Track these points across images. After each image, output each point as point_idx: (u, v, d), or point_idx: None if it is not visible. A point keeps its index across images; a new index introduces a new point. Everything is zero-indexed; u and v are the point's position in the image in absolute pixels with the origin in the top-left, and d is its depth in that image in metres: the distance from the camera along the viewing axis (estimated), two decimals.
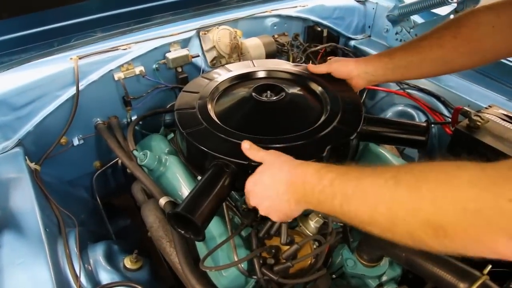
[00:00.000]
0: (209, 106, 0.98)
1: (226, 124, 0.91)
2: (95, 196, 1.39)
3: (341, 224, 0.92)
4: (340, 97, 0.98)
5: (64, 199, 1.18)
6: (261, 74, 1.13)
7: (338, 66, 1.04)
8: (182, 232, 0.76)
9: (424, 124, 0.99)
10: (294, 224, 0.93)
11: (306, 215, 0.92)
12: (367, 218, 0.53)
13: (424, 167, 0.49)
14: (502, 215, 0.39)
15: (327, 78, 1.06)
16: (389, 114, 1.54)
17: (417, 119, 1.44)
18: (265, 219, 0.88)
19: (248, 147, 0.76)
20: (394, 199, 0.49)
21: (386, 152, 1.15)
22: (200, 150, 0.84)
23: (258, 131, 0.88)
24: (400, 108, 1.53)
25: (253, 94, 0.98)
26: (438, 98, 1.40)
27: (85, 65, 1.14)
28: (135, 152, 1.11)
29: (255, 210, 0.87)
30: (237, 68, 1.15)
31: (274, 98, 0.98)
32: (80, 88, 1.14)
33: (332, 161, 0.83)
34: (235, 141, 0.82)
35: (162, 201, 0.96)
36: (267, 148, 0.78)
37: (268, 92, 1.01)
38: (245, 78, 1.12)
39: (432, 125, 1.40)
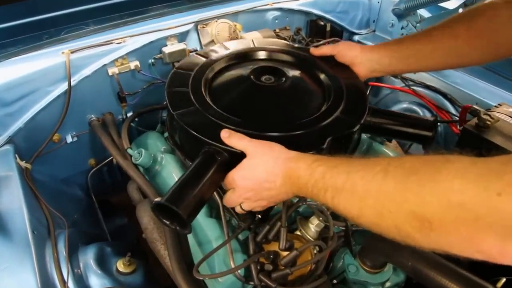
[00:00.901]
0: (203, 87, 0.91)
1: (220, 107, 0.84)
2: (90, 194, 1.35)
3: (343, 228, 0.88)
4: (344, 85, 0.92)
5: (57, 198, 1.15)
6: (261, 55, 1.06)
7: (343, 49, 0.98)
8: (168, 223, 0.70)
9: (431, 119, 0.94)
10: (293, 227, 0.89)
11: (306, 217, 0.88)
12: (356, 211, 0.53)
13: (414, 160, 0.48)
14: (489, 210, 0.37)
15: (330, 63, 0.99)
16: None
17: None
18: (264, 221, 0.84)
19: (227, 136, 0.71)
20: (381, 192, 0.48)
21: (391, 151, 1.10)
22: (191, 134, 0.77)
23: (255, 116, 0.82)
24: (405, 105, 1.48)
25: (251, 76, 0.92)
26: (444, 95, 1.35)
27: (78, 59, 1.10)
28: (129, 151, 1.07)
29: (252, 212, 0.84)
30: (235, 47, 1.08)
31: (274, 82, 0.92)
32: (73, 83, 1.10)
33: (332, 153, 0.79)
34: (229, 126, 0.76)
35: None
36: (263, 137, 0.72)
37: (267, 75, 0.95)
38: (243, 58, 1.05)
39: (438, 124, 1.36)
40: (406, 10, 1.46)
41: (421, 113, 1.41)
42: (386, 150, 1.10)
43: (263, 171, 0.65)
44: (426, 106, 1.39)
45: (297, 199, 0.87)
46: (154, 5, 1.16)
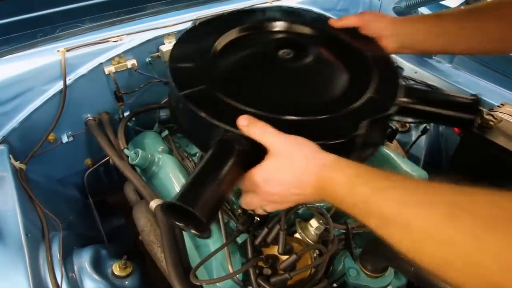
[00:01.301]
0: (213, 62, 0.81)
1: (234, 86, 0.75)
2: (86, 195, 1.33)
3: (343, 231, 0.87)
4: (372, 59, 0.83)
5: (53, 199, 1.13)
6: (275, 27, 0.95)
7: (370, 20, 0.87)
8: (181, 225, 0.59)
9: (472, 99, 0.81)
10: (293, 230, 0.88)
11: (306, 219, 0.86)
12: (409, 250, 0.43)
13: (487, 202, 0.38)
14: None
15: (354, 36, 0.90)
16: None
17: None
18: (262, 224, 0.82)
19: (246, 124, 0.59)
20: (446, 243, 0.39)
21: (391, 152, 1.09)
22: (202, 119, 0.65)
23: (274, 97, 0.73)
24: None
25: (267, 50, 0.83)
26: None
27: (73, 57, 1.07)
28: (125, 151, 1.06)
29: (251, 214, 0.82)
30: (247, 16, 0.97)
31: (293, 57, 0.83)
32: (68, 82, 1.08)
33: (363, 148, 0.68)
34: (246, 109, 0.65)
35: (153, 204, 0.90)
36: (283, 122, 0.63)
37: (285, 49, 0.83)
38: (256, 29, 0.94)
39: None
40: (407, 8, 1.44)
41: None
42: (387, 151, 1.09)
43: (290, 176, 0.55)
44: None
45: None
46: (152, 2, 1.14)
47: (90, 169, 1.30)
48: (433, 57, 1.46)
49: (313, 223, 0.83)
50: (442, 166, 1.36)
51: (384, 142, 1.11)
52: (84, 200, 1.33)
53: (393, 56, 1.47)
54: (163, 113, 1.35)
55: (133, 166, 1.07)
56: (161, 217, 0.86)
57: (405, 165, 1.06)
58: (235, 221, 0.93)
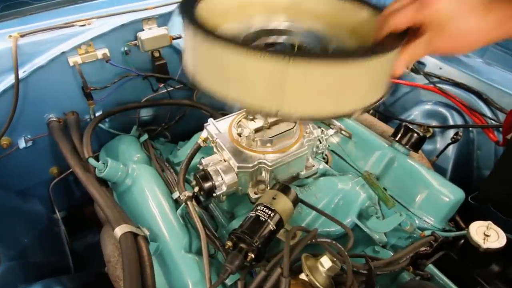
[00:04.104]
0: None
1: None
2: (53, 208, 1.14)
3: (365, 272, 0.67)
4: None
5: (6, 217, 0.94)
6: None
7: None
8: None
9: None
10: (297, 265, 0.67)
11: (315, 256, 0.66)
12: None
13: None
14: None
15: None
16: (414, 113, 1.27)
17: (450, 121, 1.18)
18: (258, 261, 0.62)
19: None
20: None
21: (415, 163, 0.91)
22: None
23: None
24: (428, 106, 1.26)
25: None
26: (478, 95, 1.13)
27: (29, 45, 0.89)
28: (91, 161, 0.86)
29: (242, 249, 0.63)
30: None
31: None
32: (23, 75, 0.89)
33: None
34: None
35: (118, 231, 0.71)
36: None
37: None
38: None
39: (470, 129, 1.14)
40: None
41: (448, 116, 1.19)
42: (412, 162, 0.90)
43: None
44: (456, 107, 1.17)
45: (302, 232, 0.66)
46: None
47: (57, 179, 1.10)
48: None
49: (325, 261, 0.63)
50: (472, 177, 1.16)
51: (409, 151, 0.92)
52: (49, 215, 1.13)
53: None
54: (144, 114, 1.15)
55: (101, 179, 0.87)
56: (126, 249, 0.66)
57: (433, 179, 0.87)
58: (223, 255, 0.73)
